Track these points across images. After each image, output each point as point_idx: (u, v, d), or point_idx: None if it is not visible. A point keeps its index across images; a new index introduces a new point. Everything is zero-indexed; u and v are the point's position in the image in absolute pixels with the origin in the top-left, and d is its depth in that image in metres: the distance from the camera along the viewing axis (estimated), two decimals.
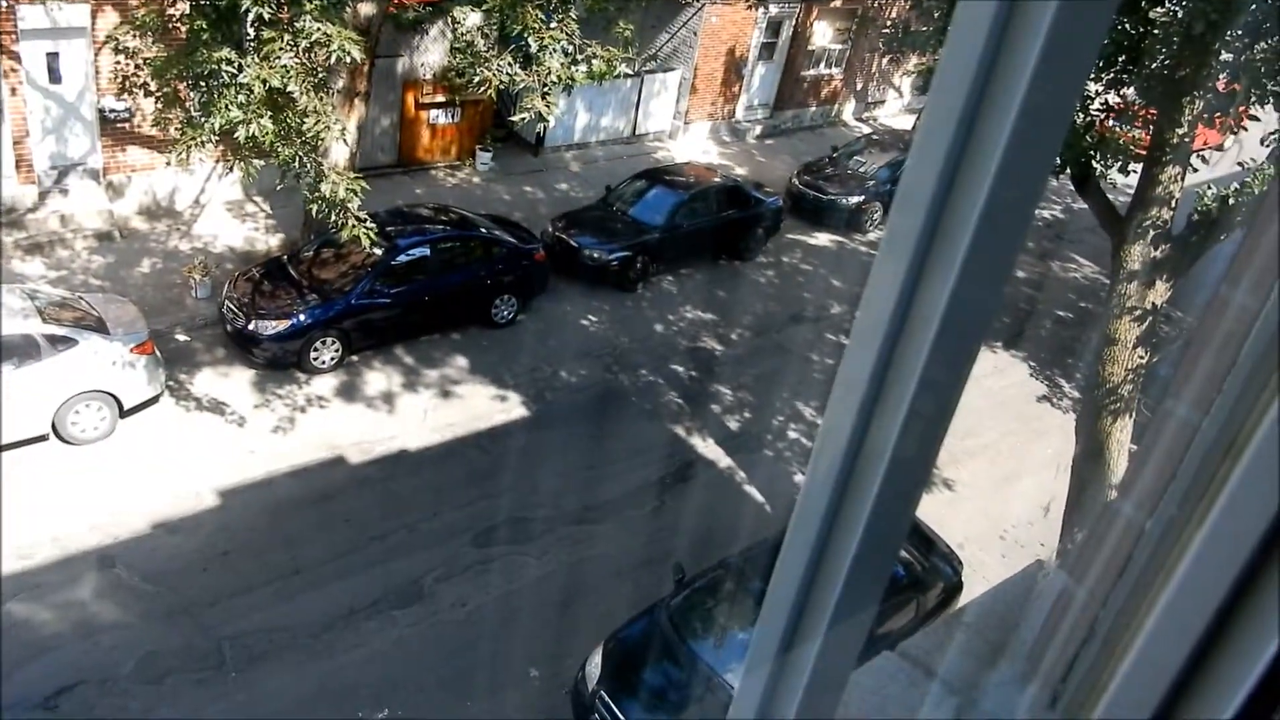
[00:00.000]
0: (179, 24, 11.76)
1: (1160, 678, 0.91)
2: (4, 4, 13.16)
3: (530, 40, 11.67)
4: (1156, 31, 8.25)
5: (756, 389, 14.28)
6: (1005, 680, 1.78)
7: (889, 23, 17.82)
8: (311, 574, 10.14)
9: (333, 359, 13.01)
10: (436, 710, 9.01)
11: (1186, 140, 8.72)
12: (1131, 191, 9.43)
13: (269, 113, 10.90)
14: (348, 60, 10.71)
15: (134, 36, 11.75)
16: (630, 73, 18.06)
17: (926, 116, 0.78)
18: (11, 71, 13.61)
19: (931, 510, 11.42)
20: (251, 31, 11.40)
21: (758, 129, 23.30)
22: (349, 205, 11.20)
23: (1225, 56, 8.31)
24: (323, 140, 11.35)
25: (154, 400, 11.79)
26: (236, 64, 10.63)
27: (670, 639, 8.74)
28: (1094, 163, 9.50)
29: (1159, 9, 8.15)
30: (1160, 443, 1.21)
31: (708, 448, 12.96)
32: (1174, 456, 1.11)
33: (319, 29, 10.32)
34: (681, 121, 21.93)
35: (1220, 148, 19.46)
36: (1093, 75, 8.57)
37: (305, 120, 10.92)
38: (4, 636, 8.83)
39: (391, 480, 11.56)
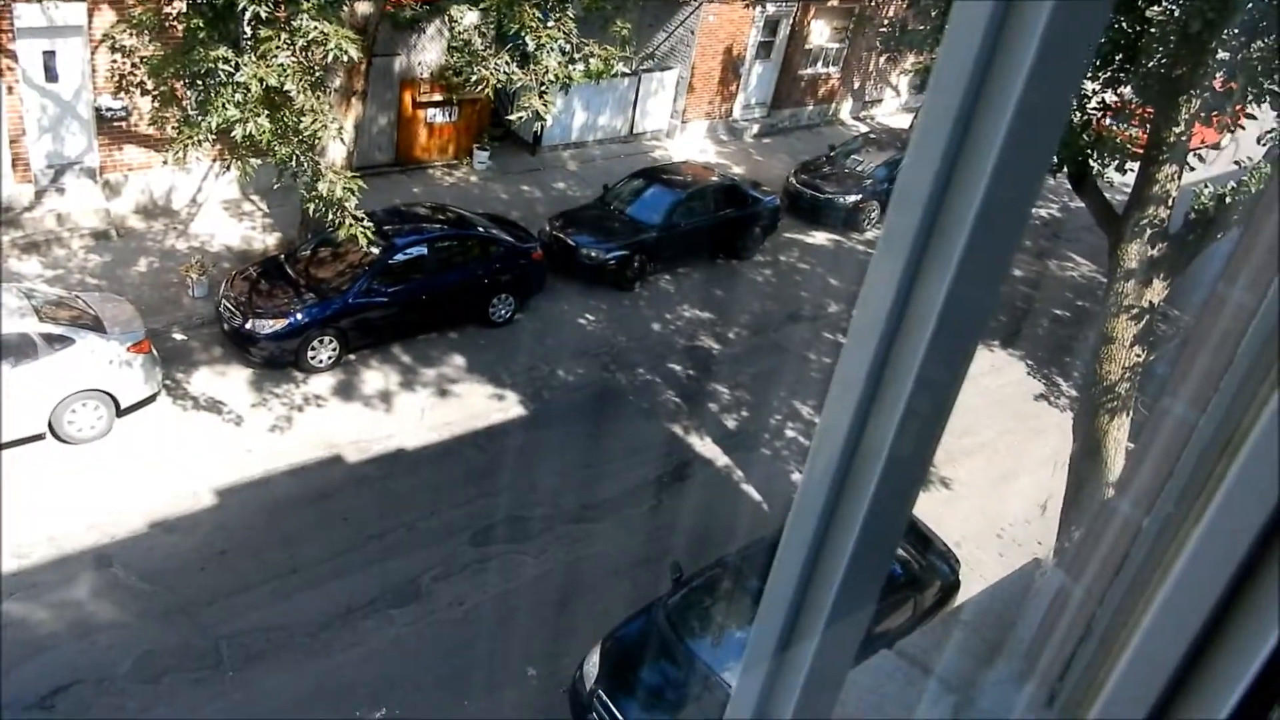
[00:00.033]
0: (176, 22, 11.74)
1: (1157, 676, 0.91)
2: (1, 2, 13.14)
3: (527, 39, 11.66)
4: (1153, 30, 8.25)
5: (754, 388, 14.29)
6: (1002, 678, 1.78)
7: (886, 21, 17.85)
8: (309, 573, 10.13)
9: (330, 358, 13.00)
10: (434, 709, 9.01)
11: (1183, 139, 8.73)
12: (1128, 190, 9.44)
13: (266, 111, 10.90)
14: (345, 59, 10.70)
15: (131, 35, 11.73)
16: (627, 71, 18.06)
17: (923, 115, 0.78)
18: (8, 70, 13.59)
19: (929, 509, 11.43)
20: (248, 30, 11.39)
21: (755, 128, 23.30)
22: (346, 204, 11.20)
23: (1222, 55, 8.31)
24: (320, 139, 11.34)
25: (151, 399, 11.78)
26: (233, 63, 10.62)
27: (668, 638, 8.75)
28: (1091, 161, 9.51)
29: (1156, 8, 8.15)
30: (1157, 441, 1.21)
31: (705, 446, 12.97)
32: (1171, 454, 1.12)
33: (316, 27, 10.32)
34: (679, 120, 21.93)
35: (1217, 146, 19.49)
36: (1090, 74, 8.58)
37: (302, 119, 10.91)
38: (1, 636, 8.83)
39: (389, 479, 11.56)
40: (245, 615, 9.56)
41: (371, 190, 12.80)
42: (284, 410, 12.28)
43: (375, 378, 13.17)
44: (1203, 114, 9.01)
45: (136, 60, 11.82)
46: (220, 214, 15.92)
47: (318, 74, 11.49)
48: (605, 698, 8.38)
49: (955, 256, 0.77)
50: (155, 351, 11.72)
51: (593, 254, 15.59)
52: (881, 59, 24.64)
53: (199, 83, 11.12)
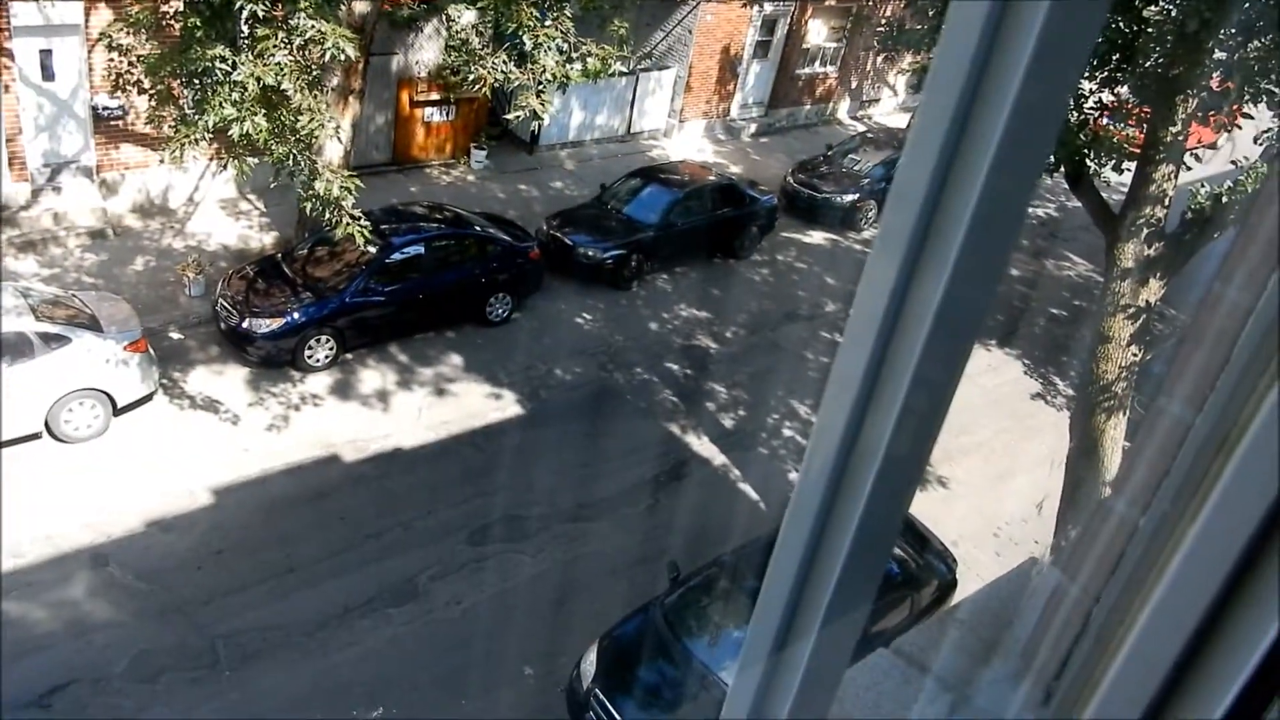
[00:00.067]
0: (173, 21, 11.73)
1: (1153, 675, 0.91)
2: None
3: (525, 38, 11.66)
4: (1150, 30, 8.27)
5: (751, 387, 14.29)
6: (999, 677, 1.78)
7: (883, 21, 17.85)
8: (306, 572, 10.12)
9: (327, 357, 12.99)
10: (431, 709, 9.00)
11: (1180, 138, 8.74)
12: (1125, 189, 9.45)
13: (263, 110, 10.89)
14: (342, 58, 10.69)
15: (127, 34, 11.71)
16: (625, 71, 18.06)
17: (920, 115, 0.78)
18: (5, 69, 13.56)
19: (926, 508, 11.44)
20: (245, 29, 11.38)
21: (752, 127, 23.30)
22: (343, 203, 11.19)
23: (1219, 55, 8.33)
24: (317, 138, 11.33)
25: (147, 398, 11.76)
26: (230, 61, 10.61)
27: (665, 637, 8.75)
28: (1088, 161, 9.52)
29: (1153, 7, 8.16)
30: (1154, 440, 1.22)
31: (702, 445, 12.97)
32: (1167, 453, 1.12)
33: (313, 26, 10.31)
34: (676, 120, 21.92)
35: (1214, 146, 19.54)
36: (1086, 73, 8.59)
37: (299, 118, 10.90)
38: None
39: (386, 478, 11.55)
40: (242, 614, 9.55)
41: (369, 189, 12.79)
42: (281, 409, 12.27)
43: (372, 377, 13.16)
44: (1199, 113, 9.03)
45: (133, 59, 11.81)
46: (217, 213, 15.90)
47: (315, 73, 11.48)
48: (602, 697, 8.39)
49: (952, 256, 0.77)
50: (152, 350, 11.71)
51: (590, 253, 15.59)
52: (879, 58, 24.65)
53: (196, 81, 11.11)
